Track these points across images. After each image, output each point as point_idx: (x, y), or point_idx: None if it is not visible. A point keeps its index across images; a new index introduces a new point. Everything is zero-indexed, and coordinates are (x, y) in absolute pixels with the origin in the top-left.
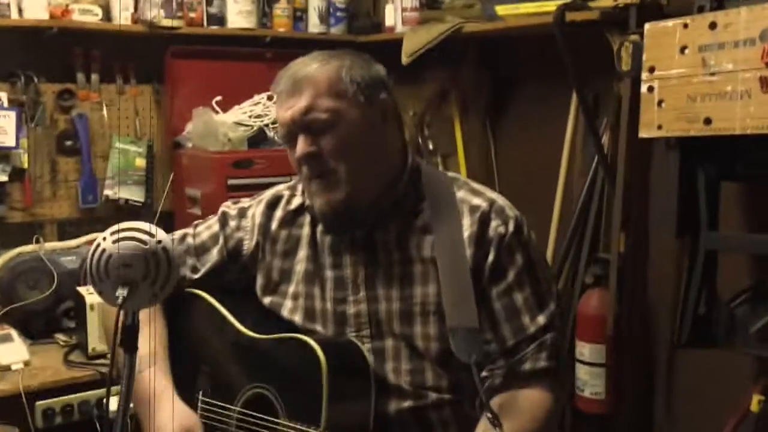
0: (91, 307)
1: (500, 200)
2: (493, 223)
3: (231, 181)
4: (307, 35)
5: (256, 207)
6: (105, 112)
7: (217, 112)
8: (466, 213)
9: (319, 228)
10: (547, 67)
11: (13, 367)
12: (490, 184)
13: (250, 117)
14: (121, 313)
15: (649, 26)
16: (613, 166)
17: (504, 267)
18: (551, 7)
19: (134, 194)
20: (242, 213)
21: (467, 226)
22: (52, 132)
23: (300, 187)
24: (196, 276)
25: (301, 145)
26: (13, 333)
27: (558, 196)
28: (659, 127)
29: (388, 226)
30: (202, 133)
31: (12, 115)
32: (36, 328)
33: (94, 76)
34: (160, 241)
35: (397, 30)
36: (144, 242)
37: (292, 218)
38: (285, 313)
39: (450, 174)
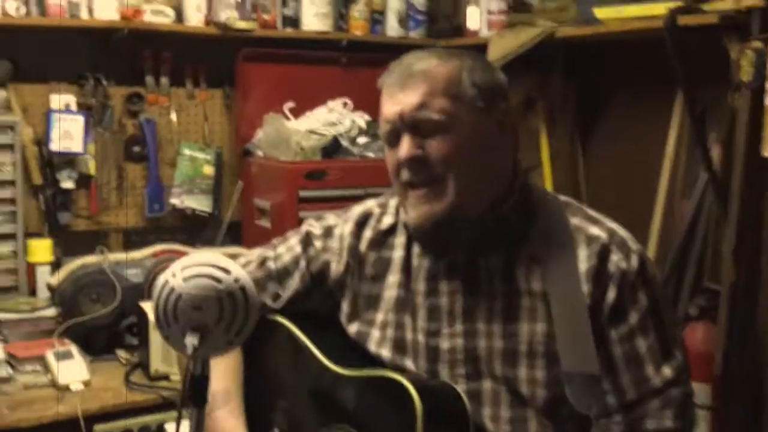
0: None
1: (621, 231)
2: (614, 257)
3: (303, 193)
4: (385, 39)
5: (343, 226)
6: (174, 116)
7: (288, 119)
8: (582, 243)
9: (415, 251)
10: (644, 76)
11: (73, 387)
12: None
13: (323, 125)
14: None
15: None
16: (724, 187)
17: (626, 308)
18: (659, 10)
19: (201, 204)
20: (328, 232)
21: (583, 258)
22: (120, 137)
23: (392, 204)
24: (277, 305)
25: (407, 147)
26: (74, 349)
27: (656, 218)
28: None
29: (492, 251)
30: (273, 140)
31: (80, 119)
32: (97, 344)
33: (164, 80)
34: (237, 280)
35: (482, 34)
36: (218, 280)
37: (381, 239)
38: (372, 344)
39: (562, 197)
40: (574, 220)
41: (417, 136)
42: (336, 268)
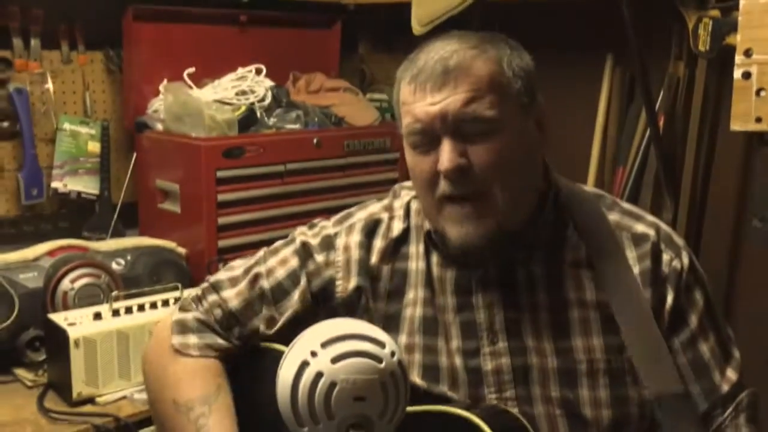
0: (76, 343)
1: (664, 225)
2: (665, 256)
3: (221, 174)
4: None
5: (347, 236)
6: (49, 85)
7: (190, 87)
8: (628, 243)
9: (434, 260)
10: (571, 41)
11: None
12: None
13: (234, 94)
14: None
15: (747, 1)
16: (669, 157)
17: (684, 311)
18: None
19: (88, 186)
20: (328, 243)
21: (633, 260)
22: None
23: (397, 206)
24: (272, 331)
25: (450, 155)
26: None
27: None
28: (758, 120)
29: (530, 259)
30: (177, 113)
31: None
32: None
33: (35, 42)
34: (393, 353)
35: None
36: (378, 358)
37: (394, 249)
38: None
39: (590, 189)
40: (613, 216)
41: (460, 142)
42: (343, 285)
